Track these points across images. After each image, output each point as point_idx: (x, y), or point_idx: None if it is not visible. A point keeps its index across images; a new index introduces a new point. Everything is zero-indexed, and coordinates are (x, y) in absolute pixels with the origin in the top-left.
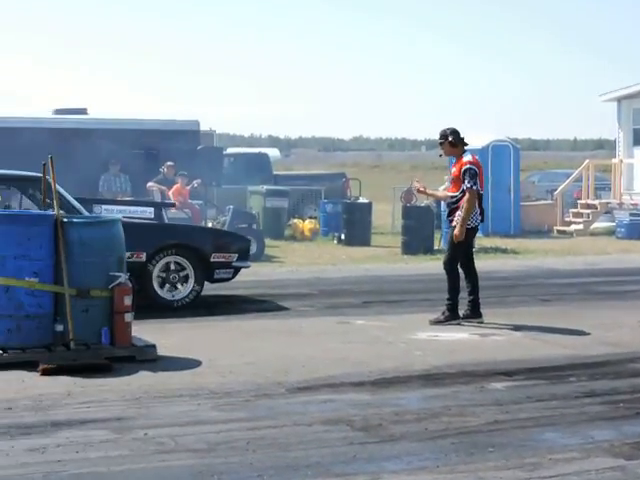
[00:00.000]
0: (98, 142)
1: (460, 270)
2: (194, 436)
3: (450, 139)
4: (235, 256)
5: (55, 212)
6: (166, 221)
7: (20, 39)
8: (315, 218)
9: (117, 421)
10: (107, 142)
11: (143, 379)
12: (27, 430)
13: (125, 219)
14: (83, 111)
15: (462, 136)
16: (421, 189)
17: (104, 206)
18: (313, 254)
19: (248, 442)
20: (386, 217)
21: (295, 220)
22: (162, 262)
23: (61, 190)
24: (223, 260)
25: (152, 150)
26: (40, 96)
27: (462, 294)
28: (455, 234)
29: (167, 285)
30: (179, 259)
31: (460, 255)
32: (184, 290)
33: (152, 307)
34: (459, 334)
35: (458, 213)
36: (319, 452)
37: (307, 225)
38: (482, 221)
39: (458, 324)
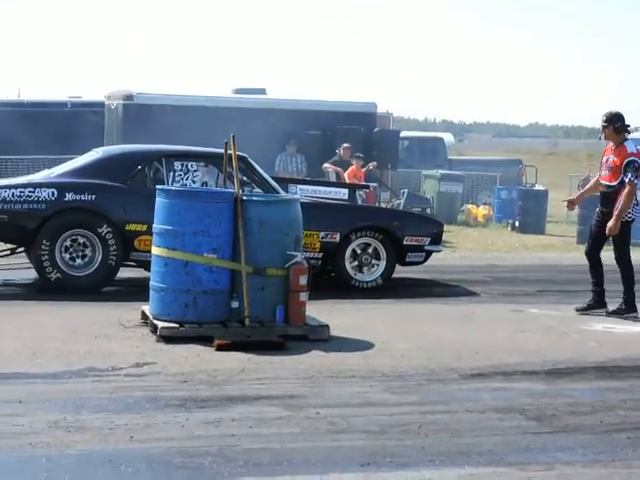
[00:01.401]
0: (276, 122)
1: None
2: (366, 417)
3: (616, 125)
4: (427, 240)
5: (235, 190)
6: (360, 203)
7: (211, 18)
8: (489, 204)
9: (290, 399)
10: (285, 122)
11: (315, 358)
12: (202, 403)
13: (321, 200)
14: (262, 91)
15: (627, 123)
16: (572, 203)
17: (299, 186)
18: (486, 240)
19: (420, 426)
20: (561, 205)
21: (469, 205)
22: (355, 243)
23: (259, 169)
24: (415, 243)
25: (329, 131)
26: (222, 76)
27: (616, 287)
28: (609, 227)
29: (359, 266)
30: (372, 241)
31: (627, 247)
32: (376, 271)
33: (331, 287)
34: (636, 327)
35: (616, 206)
36: (491, 440)
37: (481, 211)
38: None
39: (635, 317)
